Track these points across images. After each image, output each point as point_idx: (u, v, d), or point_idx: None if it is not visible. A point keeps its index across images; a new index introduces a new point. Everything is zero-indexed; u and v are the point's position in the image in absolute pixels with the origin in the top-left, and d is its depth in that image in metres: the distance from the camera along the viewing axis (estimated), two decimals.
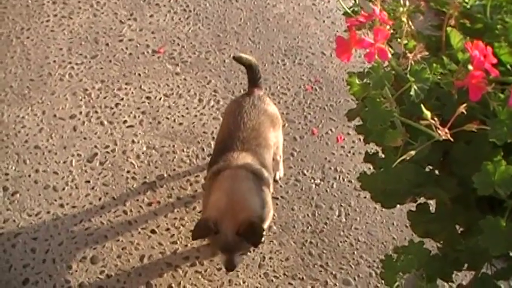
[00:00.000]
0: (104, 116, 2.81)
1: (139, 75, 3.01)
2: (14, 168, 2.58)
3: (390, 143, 1.15)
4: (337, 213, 2.48)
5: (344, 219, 2.46)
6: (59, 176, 2.55)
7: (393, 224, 2.45)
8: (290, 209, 2.48)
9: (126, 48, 3.14)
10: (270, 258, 2.33)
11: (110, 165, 2.60)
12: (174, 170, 2.60)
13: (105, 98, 2.89)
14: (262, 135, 2.17)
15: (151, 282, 2.23)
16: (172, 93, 2.93)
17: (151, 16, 3.33)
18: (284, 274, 2.29)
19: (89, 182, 2.54)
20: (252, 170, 2.06)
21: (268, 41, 3.22)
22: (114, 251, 2.32)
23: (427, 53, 1.10)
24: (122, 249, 2.32)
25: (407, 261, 1.25)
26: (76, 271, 2.25)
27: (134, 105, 2.86)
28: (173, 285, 2.23)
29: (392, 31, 1.17)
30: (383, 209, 2.37)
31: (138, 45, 3.16)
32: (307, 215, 2.46)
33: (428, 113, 1.03)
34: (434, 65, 1.12)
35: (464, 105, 1.01)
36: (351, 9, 1.30)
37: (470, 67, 1.03)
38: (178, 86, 2.96)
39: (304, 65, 3.09)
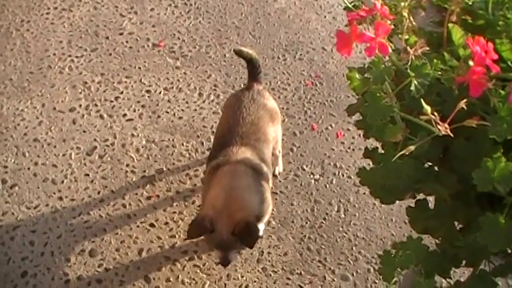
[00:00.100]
0: (103, 109, 2.80)
1: (140, 68, 3.00)
2: (13, 160, 2.58)
3: (390, 138, 1.15)
4: (336, 209, 2.48)
5: (343, 215, 2.46)
6: (58, 169, 2.55)
7: (392, 220, 2.46)
8: (289, 204, 2.48)
9: (127, 42, 3.13)
10: (269, 253, 2.33)
11: (109, 159, 2.60)
12: (174, 164, 2.60)
13: (104, 91, 2.88)
14: (261, 130, 2.17)
15: (150, 275, 2.24)
16: (172, 87, 2.92)
17: (151, 9, 3.32)
18: (282, 269, 2.29)
19: (88, 175, 2.54)
20: (251, 165, 2.06)
21: (268, 36, 3.22)
22: (112, 245, 2.32)
23: (427, 49, 1.09)
24: (121, 242, 2.33)
25: (405, 257, 1.25)
26: (74, 264, 2.25)
27: (134, 98, 2.86)
28: (171, 279, 2.23)
29: (393, 26, 1.17)
30: (382, 205, 2.39)
31: (139, 39, 3.15)
32: (306, 210, 2.46)
33: (428, 108, 1.02)
34: (435, 60, 1.11)
35: (465, 100, 1.01)
36: (352, 3, 1.30)
37: (471, 63, 1.03)
38: (178, 80, 2.96)
39: (305, 60, 3.09)
